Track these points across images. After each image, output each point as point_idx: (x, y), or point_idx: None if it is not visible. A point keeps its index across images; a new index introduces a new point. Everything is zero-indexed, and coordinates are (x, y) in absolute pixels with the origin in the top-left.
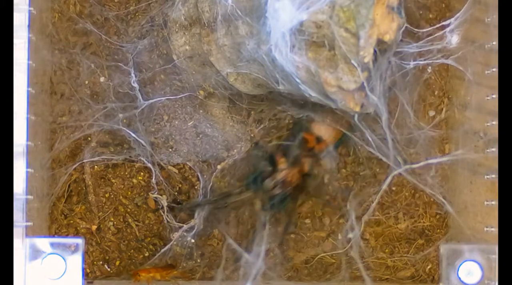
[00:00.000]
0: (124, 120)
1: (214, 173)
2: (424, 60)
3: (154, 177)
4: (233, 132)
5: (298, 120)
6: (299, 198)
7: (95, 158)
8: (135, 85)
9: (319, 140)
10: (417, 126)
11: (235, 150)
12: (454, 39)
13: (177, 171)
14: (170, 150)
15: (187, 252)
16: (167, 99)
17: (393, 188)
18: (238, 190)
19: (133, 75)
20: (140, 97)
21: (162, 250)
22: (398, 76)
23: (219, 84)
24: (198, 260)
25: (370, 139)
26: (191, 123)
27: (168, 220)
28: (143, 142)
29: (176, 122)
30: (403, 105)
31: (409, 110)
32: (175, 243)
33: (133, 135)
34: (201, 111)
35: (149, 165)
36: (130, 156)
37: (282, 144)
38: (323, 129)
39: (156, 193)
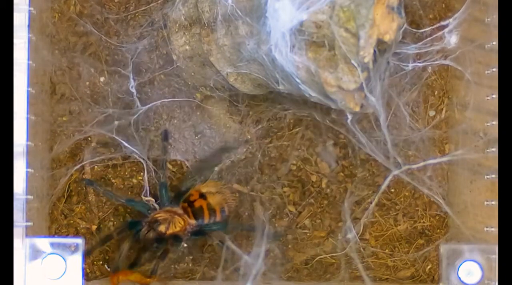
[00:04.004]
0: (120, 122)
1: (211, 176)
2: (423, 61)
3: (145, 175)
4: (230, 133)
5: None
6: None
7: (96, 159)
8: (133, 90)
9: (202, 196)
10: (416, 126)
11: (232, 152)
12: (453, 39)
13: (174, 170)
14: (170, 147)
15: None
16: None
17: (392, 190)
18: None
19: (131, 79)
20: (138, 103)
21: None
22: (398, 77)
23: (219, 84)
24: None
25: (368, 141)
26: (189, 122)
27: None
28: (137, 151)
29: (175, 121)
30: (403, 105)
31: (409, 111)
32: None
33: (125, 144)
34: (200, 110)
35: (153, 168)
36: (130, 157)
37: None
38: (210, 190)
39: (147, 194)
